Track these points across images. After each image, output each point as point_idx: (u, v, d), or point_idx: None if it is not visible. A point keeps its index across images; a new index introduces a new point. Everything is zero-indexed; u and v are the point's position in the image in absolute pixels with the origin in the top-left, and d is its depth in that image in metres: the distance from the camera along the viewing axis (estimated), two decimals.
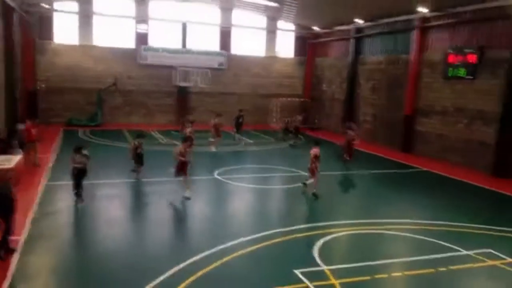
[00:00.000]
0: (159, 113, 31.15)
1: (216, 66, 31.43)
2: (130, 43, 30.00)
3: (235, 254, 9.47)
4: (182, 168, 13.07)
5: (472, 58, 19.54)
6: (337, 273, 8.67)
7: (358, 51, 28.29)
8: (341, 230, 11.32)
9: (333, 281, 8.35)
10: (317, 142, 14.78)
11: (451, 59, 20.67)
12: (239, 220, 12.11)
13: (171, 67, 30.08)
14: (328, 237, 10.67)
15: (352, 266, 9.16)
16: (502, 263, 9.54)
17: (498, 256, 9.87)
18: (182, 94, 31.08)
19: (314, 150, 14.18)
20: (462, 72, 20.12)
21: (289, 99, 33.09)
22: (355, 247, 10.70)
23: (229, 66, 31.94)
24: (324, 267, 8.94)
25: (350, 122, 24.53)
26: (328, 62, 32.18)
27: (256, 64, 32.96)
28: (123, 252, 9.49)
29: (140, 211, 12.55)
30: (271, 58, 33.45)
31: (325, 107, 32.29)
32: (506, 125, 17.93)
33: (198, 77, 29.62)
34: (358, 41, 28.21)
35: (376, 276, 8.70)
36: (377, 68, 26.53)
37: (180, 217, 12.36)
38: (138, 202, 13.48)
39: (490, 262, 9.60)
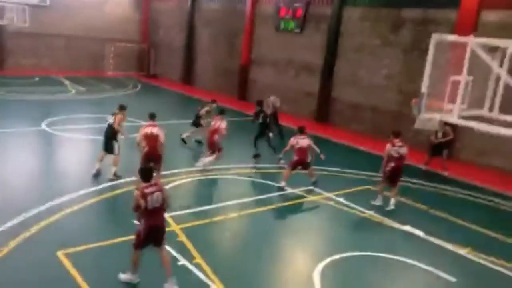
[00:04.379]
0: None
1: (36, 2, 27.61)
2: None
3: (72, 208, 8.92)
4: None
5: (300, 12, 21.05)
6: (178, 219, 8.89)
7: None
8: (179, 178, 11.51)
9: (175, 227, 8.55)
10: (221, 111, 12.75)
11: (283, 12, 21.92)
12: (74, 175, 11.32)
13: None
14: (168, 186, 10.76)
15: (192, 212, 9.49)
16: (321, 198, 10.99)
17: (319, 192, 11.32)
18: None
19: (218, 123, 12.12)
20: (291, 25, 21.57)
21: (126, 44, 31.28)
22: (194, 193, 11.06)
23: (53, 3, 28.37)
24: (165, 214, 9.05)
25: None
26: (165, 7, 31.06)
27: (86, 3, 29.96)
28: None
29: None
30: None
31: (164, 54, 31.48)
32: (326, 76, 20.06)
33: (14, 14, 25.64)
34: None
35: (215, 219, 9.20)
36: (215, 16, 26.67)
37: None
38: None
39: (311, 198, 10.98)
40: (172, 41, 30.62)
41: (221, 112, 12.72)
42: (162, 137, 10.06)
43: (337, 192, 11.32)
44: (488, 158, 14.67)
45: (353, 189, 11.72)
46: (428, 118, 7.45)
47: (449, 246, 8.87)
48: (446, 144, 13.61)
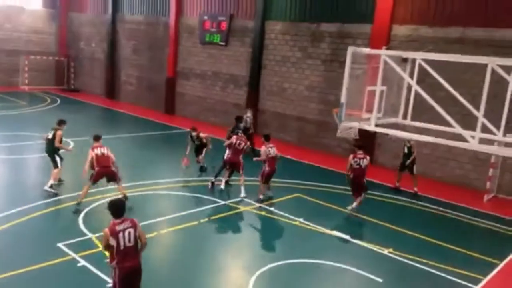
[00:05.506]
0: None
1: None
2: None
3: None
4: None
5: (224, 25, 21.29)
6: None
7: (116, 9, 27.20)
8: (108, 196, 11.07)
9: (101, 248, 8.17)
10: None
11: (207, 25, 22.03)
12: None
13: None
14: (94, 205, 10.31)
15: None
16: (253, 208, 11.10)
17: (250, 202, 11.41)
18: None
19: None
20: (216, 38, 21.72)
21: (42, 57, 29.63)
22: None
23: None
24: (91, 235, 8.67)
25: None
26: (84, 18, 29.94)
27: None
28: None
29: None
30: (17, 9, 28.98)
31: (84, 67, 30.25)
32: (253, 88, 20.39)
33: None
34: None
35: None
36: (138, 28, 26.15)
37: None
38: None
39: (243, 208, 11.05)
40: (93, 54, 29.52)
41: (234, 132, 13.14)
42: (112, 156, 10.21)
43: (268, 202, 11.49)
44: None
45: (283, 198, 11.96)
46: (349, 127, 7.88)
47: (373, 247, 9.35)
48: (414, 158, 13.17)
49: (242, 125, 15.50)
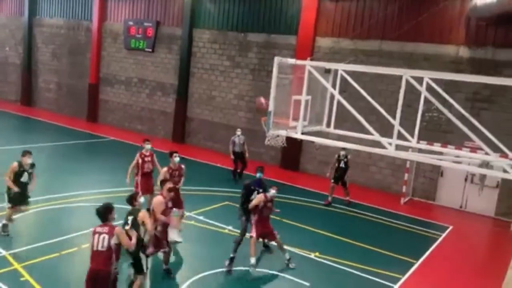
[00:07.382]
0: None
1: None
2: None
3: None
4: None
5: (151, 32, 20.89)
6: (21, 257, 7.98)
7: (33, 12, 25.67)
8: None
9: (16, 265, 7.63)
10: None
11: (132, 31, 21.48)
12: None
13: None
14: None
15: (38, 246, 8.58)
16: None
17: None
18: None
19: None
20: (142, 44, 21.23)
21: None
22: (41, 225, 10.02)
23: None
24: (5, 253, 8.04)
25: None
26: None
27: None
28: None
29: None
30: None
31: None
32: (181, 96, 20.16)
33: None
34: (33, 0, 25.58)
35: (64, 252, 8.46)
36: (57, 32, 24.85)
37: None
38: None
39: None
40: (7, 58, 27.55)
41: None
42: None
43: (197, 211, 11.36)
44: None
45: (212, 207, 11.90)
46: (277, 135, 8.04)
47: (301, 252, 9.59)
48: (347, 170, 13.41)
49: (236, 148, 14.89)
